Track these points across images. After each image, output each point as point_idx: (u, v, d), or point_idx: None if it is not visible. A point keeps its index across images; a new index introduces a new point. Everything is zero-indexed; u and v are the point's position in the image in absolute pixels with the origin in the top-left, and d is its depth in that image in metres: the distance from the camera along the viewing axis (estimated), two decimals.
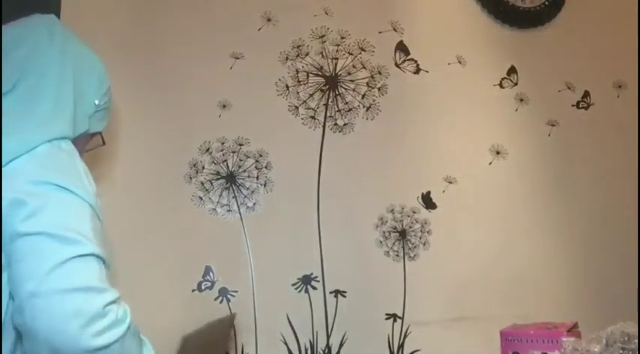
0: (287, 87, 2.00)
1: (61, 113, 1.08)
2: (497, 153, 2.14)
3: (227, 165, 1.92)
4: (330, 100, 2.02)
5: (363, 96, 2.05)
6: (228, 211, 1.90)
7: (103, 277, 0.95)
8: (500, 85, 2.20)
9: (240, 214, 1.90)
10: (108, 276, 0.99)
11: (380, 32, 2.10)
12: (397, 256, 1.99)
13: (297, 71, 2.01)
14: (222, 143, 1.92)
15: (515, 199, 2.13)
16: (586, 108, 2.27)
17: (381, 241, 1.99)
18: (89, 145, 1.26)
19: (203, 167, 1.90)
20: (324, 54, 2.04)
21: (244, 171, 1.93)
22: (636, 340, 1.12)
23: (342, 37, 2.06)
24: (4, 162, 0.96)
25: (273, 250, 1.89)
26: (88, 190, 1.01)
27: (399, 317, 1.95)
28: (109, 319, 0.90)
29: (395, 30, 2.12)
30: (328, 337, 1.89)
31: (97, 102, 1.20)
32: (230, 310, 1.83)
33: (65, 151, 1.04)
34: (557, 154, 2.20)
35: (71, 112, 1.11)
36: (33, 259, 0.89)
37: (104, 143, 1.30)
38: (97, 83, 1.21)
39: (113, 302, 0.93)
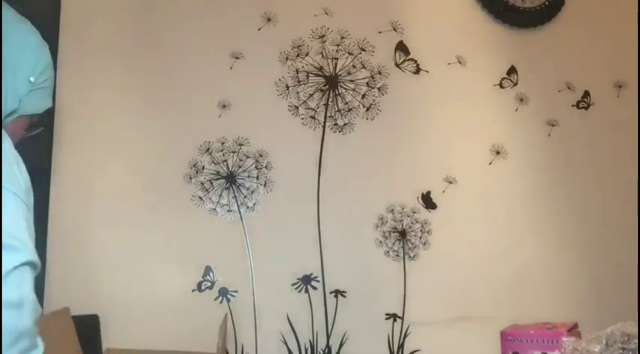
0: (287, 87, 2.00)
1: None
2: (497, 153, 2.14)
3: (227, 165, 1.92)
4: (330, 100, 2.02)
5: (363, 96, 2.05)
6: (228, 211, 1.90)
7: (32, 288, 0.85)
8: (500, 85, 2.20)
9: (240, 214, 1.90)
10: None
11: (380, 32, 2.10)
12: (397, 256, 1.99)
13: (297, 71, 2.01)
14: (222, 143, 1.92)
15: (515, 198, 2.13)
16: (586, 108, 2.27)
17: (381, 241, 1.99)
18: (30, 129, 1.13)
19: (203, 167, 1.90)
20: (324, 54, 2.04)
21: (244, 171, 1.93)
22: (636, 340, 1.11)
23: (342, 37, 2.06)
24: None
25: (273, 250, 1.89)
26: (20, 184, 0.91)
27: (399, 317, 1.95)
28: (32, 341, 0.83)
29: (395, 30, 2.12)
30: (328, 337, 1.89)
31: (32, 79, 1.07)
32: (230, 310, 1.83)
33: None
34: (557, 154, 2.20)
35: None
36: None
37: (42, 128, 1.16)
38: (32, 58, 1.07)
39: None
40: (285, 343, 1.86)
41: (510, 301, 2.02)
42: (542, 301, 2.05)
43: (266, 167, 1.94)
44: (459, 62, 2.16)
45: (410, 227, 2.02)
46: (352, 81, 2.05)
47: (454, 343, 1.93)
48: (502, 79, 2.21)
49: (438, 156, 2.08)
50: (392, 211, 2.01)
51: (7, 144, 0.96)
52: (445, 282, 2.00)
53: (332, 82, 2.03)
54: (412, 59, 2.11)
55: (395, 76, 2.09)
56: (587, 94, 2.27)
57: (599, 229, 2.18)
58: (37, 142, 1.52)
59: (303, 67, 2.02)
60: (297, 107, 2.00)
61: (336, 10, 2.07)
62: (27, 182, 0.94)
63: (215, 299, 1.84)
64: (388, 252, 1.99)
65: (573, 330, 1.40)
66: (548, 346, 1.35)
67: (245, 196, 1.91)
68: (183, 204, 1.86)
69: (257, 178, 1.93)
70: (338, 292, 1.91)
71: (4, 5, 1.04)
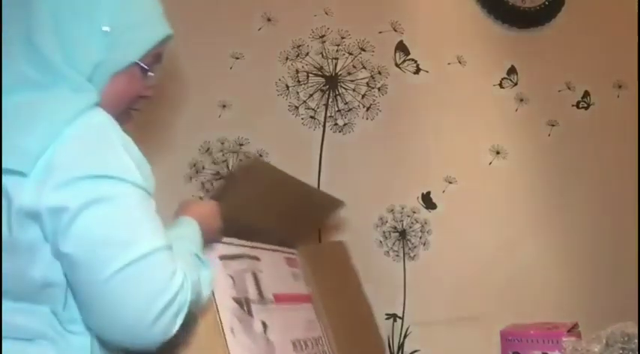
0: (287, 87, 2.00)
1: (71, 77, 0.88)
2: (497, 153, 2.14)
3: (227, 165, 1.92)
4: (330, 100, 2.02)
5: (363, 96, 2.05)
6: None
7: (166, 265, 0.85)
8: (500, 85, 2.20)
9: None
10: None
11: (380, 32, 2.10)
12: (397, 256, 1.99)
13: (297, 71, 2.01)
14: (222, 143, 1.92)
15: (515, 198, 2.13)
16: (586, 108, 2.27)
17: (381, 241, 1.99)
18: (146, 84, 0.99)
19: (203, 167, 1.90)
20: (324, 54, 2.04)
21: None
22: (636, 340, 1.12)
23: (342, 37, 2.06)
24: (30, 166, 0.82)
25: None
26: (129, 168, 0.86)
27: (399, 317, 1.95)
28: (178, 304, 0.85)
29: (395, 30, 2.12)
30: None
31: (106, 29, 0.91)
32: None
33: (94, 126, 0.86)
34: (557, 154, 2.20)
35: (83, 67, 0.89)
36: (87, 270, 0.82)
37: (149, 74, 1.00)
38: (95, 3, 0.91)
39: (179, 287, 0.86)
40: None
41: (510, 301, 2.02)
42: (542, 301, 2.05)
43: None
44: (459, 62, 2.16)
45: (410, 227, 2.02)
46: (352, 81, 2.05)
47: (454, 343, 1.93)
48: (502, 79, 2.21)
49: (438, 156, 2.08)
50: (392, 211, 2.01)
51: (112, 129, 0.88)
52: (445, 282, 2.00)
53: (332, 82, 2.03)
54: (412, 59, 2.11)
55: (395, 76, 2.09)
56: (587, 94, 2.27)
57: (600, 228, 2.18)
58: None
59: (303, 67, 2.02)
60: (297, 107, 2.00)
61: (336, 10, 2.07)
62: (137, 164, 0.89)
63: None
64: (388, 252, 1.99)
65: (573, 330, 1.40)
66: (548, 346, 1.36)
67: None
68: None
69: None
70: None
71: None
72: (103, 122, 0.88)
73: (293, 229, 1.52)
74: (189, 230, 1.07)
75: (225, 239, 1.23)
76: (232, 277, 1.22)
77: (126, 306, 0.82)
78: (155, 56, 1.01)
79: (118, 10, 0.93)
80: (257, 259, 1.34)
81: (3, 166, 0.82)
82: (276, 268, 1.40)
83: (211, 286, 1.03)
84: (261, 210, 1.34)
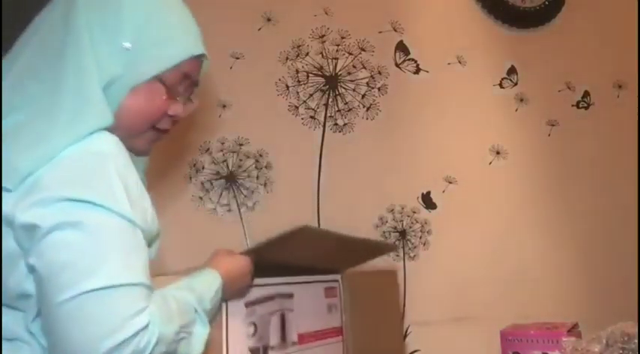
0: (287, 87, 2.00)
1: (87, 101, 0.86)
2: (497, 153, 2.14)
3: (227, 165, 1.92)
4: (330, 100, 2.02)
5: (363, 96, 2.05)
6: (228, 211, 1.90)
7: (129, 303, 0.80)
8: (500, 85, 2.20)
9: (240, 214, 1.90)
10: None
11: (380, 32, 2.10)
12: (397, 256, 1.99)
13: (297, 71, 2.01)
14: (222, 143, 1.92)
15: (515, 199, 2.13)
16: (586, 108, 2.27)
17: None
18: (173, 103, 0.96)
19: (203, 167, 1.90)
20: (324, 54, 2.04)
21: (244, 171, 1.93)
22: (636, 340, 1.12)
23: (342, 37, 2.06)
24: (16, 183, 0.82)
25: None
26: (117, 197, 0.82)
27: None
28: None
29: (395, 30, 2.12)
30: None
31: (127, 45, 0.90)
32: None
33: (91, 152, 0.84)
34: (557, 154, 2.20)
35: (96, 84, 0.87)
36: (45, 290, 0.80)
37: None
38: (121, 19, 0.90)
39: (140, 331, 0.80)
40: None
41: (510, 301, 2.02)
42: (542, 301, 2.05)
43: (266, 167, 1.94)
44: (459, 62, 2.16)
45: (410, 227, 2.02)
46: (352, 81, 2.05)
47: (454, 343, 1.93)
48: (502, 79, 2.21)
49: (438, 156, 2.08)
50: (392, 211, 2.01)
51: (114, 161, 0.84)
52: (445, 282, 2.00)
53: (332, 82, 2.03)
54: (412, 59, 2.11)
55: (395, 76, 2.09)
56: (587, 94, 2.27)
57: (600, 228, 2.18)
58: None
59: (303, 67, 2.02)
60: (297, 107, 2.00)
61: (336, 10, 2.07)
62: (135, 201, 0.85)
63: None
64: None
65: (573, 330, 1.40)
66: (548, 346, 1.35)
67: (245, 196, 1.91)
68: (183, 204, 1.86)
69: (257, 178, 1.93)
70: None
71: None
72: (102, 149, 0.85)
73: (336, 265, 1.44)
74: (204, 284, 0.99)
75: (256, 280, 1.17)
76: (255, 324, 1.17)
77: (73, 336, 0.78)
78: (182, 75, 0.98)
79: (142, 26, 0.92)
80: (289, 296, 1.27)
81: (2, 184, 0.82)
82: (309, 302, 1.33)
83: (204, 345, 0.93)
84: (302, 256, 1.29)
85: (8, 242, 0.83)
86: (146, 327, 0.80)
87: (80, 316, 0.78)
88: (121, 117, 0.90)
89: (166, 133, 1.02)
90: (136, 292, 0.81)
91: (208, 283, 0.99)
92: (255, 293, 1.18)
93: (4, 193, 0.82)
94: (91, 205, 0.80)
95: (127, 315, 0.79)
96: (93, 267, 0.79)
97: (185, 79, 1.00)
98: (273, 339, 1.21)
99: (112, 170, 0.84)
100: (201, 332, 0.92)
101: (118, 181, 0.83)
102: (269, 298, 1.21)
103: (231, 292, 1.06)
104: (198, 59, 1.04)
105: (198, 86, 1.08)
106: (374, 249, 1.53)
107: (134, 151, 0.96)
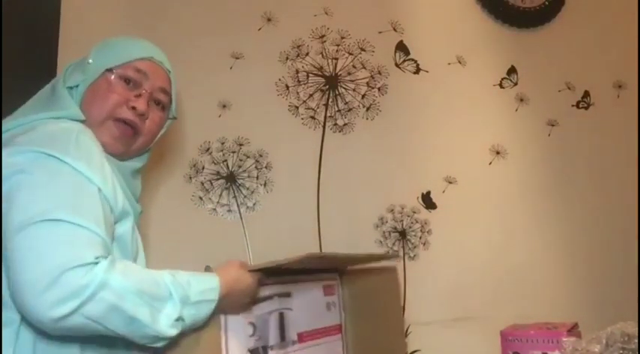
0: (287, 87, 2.00)
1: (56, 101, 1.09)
2: (497, 153, 2.14)
3: (227, 165, 1.92)
4: (330, 100, 2.02)
5: (363, 96, 2.05)
6: (228, 211, 1.90)
7: (77, 243, 0.86)
8: (500, 85, 2.20)
9: (240, 214, 1.90)
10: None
11: (380, 32, 2.10)
12: (397, 256, 1.99)
13: (297, 71, 2.01)
14: (222, 143, 1.92)
15: (515, 198, 2.13)
16: (586, 108, 2.27)
17: (381, 241, 1.99)
18: (133, 94, 1.12)
19: (203, 167, 1.90)
20: (324, 54, 2.04)
21: (244, 171, 1.93)
22: (636, 340, 1.11)
23: (342, 37, 2.06)
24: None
25: (273, 250, 1.88)
26: (77, 159, 0.95)
27: None
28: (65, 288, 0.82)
29: (395, 30, 2.12)
30: None
31: (89, 60, 1.13)
32: None
33: (63, 127, 1.00)
34: (557, 154, 2.20)
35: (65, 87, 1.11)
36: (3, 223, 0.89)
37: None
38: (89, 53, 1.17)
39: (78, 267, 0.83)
40: None
41: (510, 301, 2.02)
42: (542, 301, 2.05)
43: (266, 167, 1.94)
44: (459, 62, 2.16)
45: (410, 227, 2.02)
46: (352, 81, 2.05)
47: (454, 343, 1.93)
48: (502, 79, 2.21)
49: (438, 156, 2.08)
50: (392, 211, 2.01)
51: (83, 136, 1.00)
52: (445, 282, 2.00)
53: (332, 82, 2.03)
54: (412, 59, 2.11)
55: (395, 76, 2.09)
56: (587, 94, 2.27)
57: (599, 228, 2.18)
58: None
59: (303, 67, 2.02)
60: (297, 107, 2.00)
61: (336, 10, 2.07)
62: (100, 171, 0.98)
63: None
64: (388, 252, 1.98)
65: (573, 330, 1.40)
66: (548, 346, 1.35)
67: (245, 196, 1.91)
68: (183, 204, 1.86)
69: (257, 178, 1.93)
70: None
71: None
72: (70, 125, 1.01)
73: (336, 267, 1.45)
74: (196, 279, 0.99)
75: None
76: (254, 324, 1.17)
77: (22, 266, 0.83)
78: (134, 70, 1.13)
79: (102, 47, 1.16)
80: (288, 295, 1.27)
81: None
82: (308, 301, 1.33)
83: (171, 327, 0.93)
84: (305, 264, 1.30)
85: None
86: (90, 265, 0.84)
87: (27, 246, 0.84)
88: (85, 108, 1.08)
89: (134, 131, 1.13)
90: (83, 233, 0.87)
91: (201, 280, 1.00)
92: None
93: None
94: (51, 158, 0.92)
95: (70, 250, 0.84)
96: (43, 204, 0.87)
97: (142, 76, 1.14)
98: (273, 338, 1.21)
99: (74, 137, 0.97)
100: (170, 313, 0.93)
101: (77, 146, 0.96)
102: (267, 298, 1.21)
103: (229, 303, 1.05)
104: (152, 61, 1.17)
105: (173, 103, 1.23)
106: (377, 258, 1.53)
107: (103, 147, 1.05)
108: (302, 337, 1.28)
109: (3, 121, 1.04)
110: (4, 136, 1.00)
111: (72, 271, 0.82)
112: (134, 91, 1.11)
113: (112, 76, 1.11)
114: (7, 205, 0.88)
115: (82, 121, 1.05)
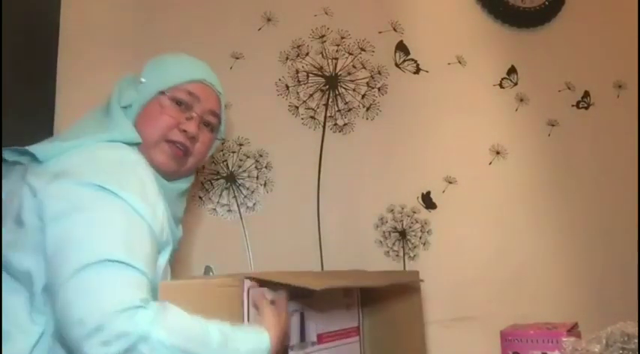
0: (287, 87, 2.00)
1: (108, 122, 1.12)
2: (497, 153, 2.14)
3: (227, 165, 1.92)
4: (330, 100, 2.02)
5: (363, 96, 2.05)
6: (228, 211, 1.90)
7: (123, 284, 0.87)
8: (500, 85, 2.20)
9: (240, 214, 1.90)
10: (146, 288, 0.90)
11: (380, 32, 2.10)
12: (397, 256, 1.99)
13: (297, 71, 2.01)
14: (223, 143, 1.92)
15: (515, 198, 2.13)
16: (586, 108, 2.27)
17: (381, 241, 1.99)
18: (184, 117, 1.16)
19: (203, 167, 1.90)
20: (324, 54, 2.04)
21: (244, 171, 1.93)
22: (636, 340, 1.12)
23: (342, 37, 2.06)
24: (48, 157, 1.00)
25: (273, 249, 1.89)
26: (132, 194, 0.96)
27: None
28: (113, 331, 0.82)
29: (395, 30, 2.12)
30: None
31: (142, 80, 1.18)
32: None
33: (112, 147, 1.03)
34: (557, 154, 2.20)
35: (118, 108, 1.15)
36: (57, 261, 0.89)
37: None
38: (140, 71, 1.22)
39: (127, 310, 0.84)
40: None
41: (510, 301, 2.02)
42: (542, 301, 2.05)
43: (266, 167, 1.94)
44: (459, 62, 2.16)
45: (410, 227, 2.02)
46: (352, 81, 2.05)
47: (454, 343, 1.93)
48: (502, 79, 2.21)
49: (438, 156, 2.08)
50: (392, 211, 2.01)
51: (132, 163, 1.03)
52: (445, 282, 1.99)
53: (332, 82, 2.03)
54: (412, 59, 2.11)
55: (395, 76, 2.09)
56: (587, 94, 2.27)
57: (599, 228, 2.18)
58: None
59: (303, 67, 2.02)
60: (297, 107, 2.00)
61: (336, 10, 2.07)
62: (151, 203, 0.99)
63: None
64: (388, 252, 1.99)
65: (573, 330, 1.40)
66: (548, 346, 1.35)
67: (245, 196, 1.91)
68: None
69: (257, 178, 1.93)
70: None
71: None
72: (129, 155, 1.04)
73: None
74: (245, 339, 0.97)
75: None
76: None
77: (73, 310, 0.84)
78: (186, 93, 1.17)
79: (153, 66, 1.21)
80: (309, 296, 1.26)
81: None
82: (328, 302, 1.32)
83: None
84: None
85: (27, 215, 0.94)
86: (135, 309, 0.83)
87: (79, 289, 0.85)
88: (138, 128, 1.11)
89: (184, 152, 1.16)
90: (132, 274, 0.87)
91: (249, 340, 0.97)
92: (274, 296, 1.16)
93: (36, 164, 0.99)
94: (109, 193, 0.93)
95: (119, 292, 0.84)
96: (98, 243, 0.88)
97: (193, 99, 1.17)
98: (293, 338, 1.21)
99: (130, 168, 1.00)
100: None
101: (133, 179, 0.98)
102: (289, 299, 1.21)
103: (276, 350, 1.04)
104: (203, 84, 1.20)
105: (222, 124, 1.26)
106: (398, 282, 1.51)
107: (156, 166, 1.10)
108: (321, 338, 1.29)
109: (59, 139, 1.04)
110: (63, 154, 1.00)
111: (117, 315, 0.83)
112: (185, 114, 1.16)
113: (165, 99, 1.15)
114: (66, 239, 0.89)
115: (138, 144, 1.10)
